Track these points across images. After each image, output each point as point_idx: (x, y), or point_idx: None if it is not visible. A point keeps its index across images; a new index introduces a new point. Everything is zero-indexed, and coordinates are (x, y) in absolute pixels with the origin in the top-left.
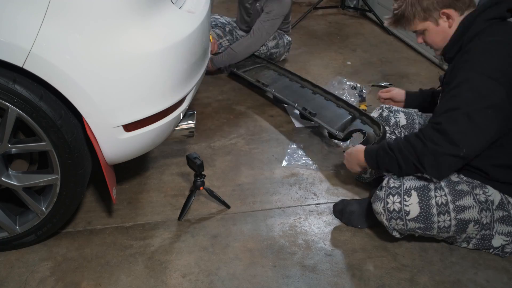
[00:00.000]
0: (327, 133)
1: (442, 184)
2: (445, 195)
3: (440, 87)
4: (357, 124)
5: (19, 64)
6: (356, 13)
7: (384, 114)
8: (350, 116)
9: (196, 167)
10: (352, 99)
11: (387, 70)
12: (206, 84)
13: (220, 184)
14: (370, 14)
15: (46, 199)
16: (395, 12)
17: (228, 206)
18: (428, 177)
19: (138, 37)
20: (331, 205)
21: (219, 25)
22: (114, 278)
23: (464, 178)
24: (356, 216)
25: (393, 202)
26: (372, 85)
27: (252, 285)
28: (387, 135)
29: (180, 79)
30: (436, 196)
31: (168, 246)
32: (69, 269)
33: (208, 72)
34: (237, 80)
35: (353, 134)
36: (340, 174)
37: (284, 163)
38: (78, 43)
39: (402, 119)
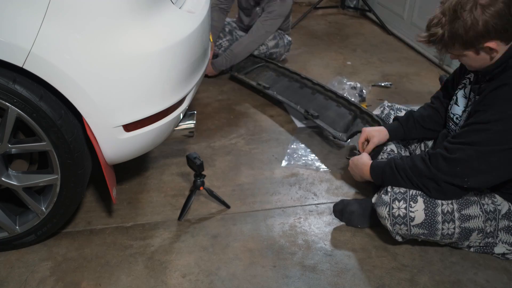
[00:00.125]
0: (330, 135)
1: None
2: (451, 203)
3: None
4: (358, 123)
5: (19, 64)
6: (356, 13)
7: (385, 112)
8: (351, 115)
9: (196, 167)
10: (352, 99)
11: (387, 70)
12: (206, 84)
13: (220, 184)
14: (370, 14)
15: (46, 199)
16: (432, 38)
17: (228, 206)
18: None
19: (138, 37)
20: (331, 205)
21: None
22: (114, 278)
23: None
24: (356, 216)
25: (399, 208)
26: (372, 85)
27: (252, 285)
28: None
29: (180, 79)
30: (442, 204)
31: (168, 246)
32: (69, 269)
33: (209, 76)
34: (237, 80)
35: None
36: (340, 174)
37: (284, 163)
38: (78, 43)
39: None
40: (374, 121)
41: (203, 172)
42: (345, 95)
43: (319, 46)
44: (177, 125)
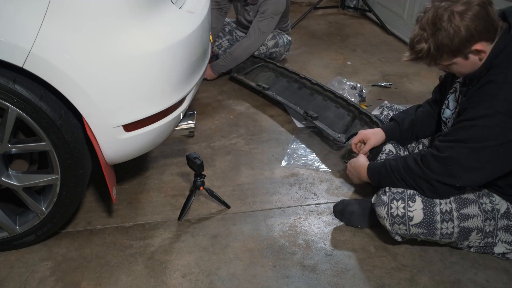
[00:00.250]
0: (329, 136)
1: None
2: (449, 202)
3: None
4: (357, 124)
5: (19, 64)
6: (356, 13)
7: (384, 113)
8: (350, 116)
9: (196, 167)
10: (352, 99)
11: (387, 70)
12: (206, 84)
13: (220, 184)
14: (370, 14)
15: (46, 199)
16: (419, 54)
17: (228, 206)
18: None
19: (138, 37)
20: (331, 205)
21: None
22: (114, 278)
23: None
24: (356, 217)
25: (397, 207)
26: (372, 85)
27: (252, 285)
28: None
29: (180, 79)
30: (441, 203)
31: (168, 246)
32: (69, 269)
33: (208, 79)
34: (237, 81)
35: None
36: (340, 174)
37: (284, 163)
38: (78, 43)
39: None
40: (373, 122)
41: (203, 172)
42: (345, 95)
43: (319, 46)
44: (177, 125)
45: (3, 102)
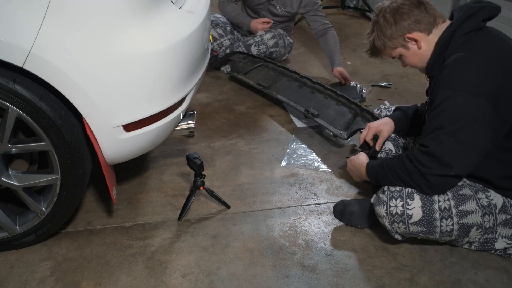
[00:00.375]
0: (331, 132)
1: None
2: (448, 199)
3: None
4: (358, 121)
5: (19, 64)
6: (356, 13)
7: (382, 115)
8: (352, 113)
9: (196, 167)
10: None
11: (387, 70)
12: (206, 84)
13: (220, 184)
14: (370, 14)
15: (46, 199)
16: (370, 45)
17: (228, 206)
18: None
19: (138, 37)
20: (331, 205)
21: (220, 24)
22: (114, 278)
23: (468, 182)
24: (356, 217)
25: (396, 206)
26: (372, 85)
27: (252, 285)
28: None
29: (180, 79)
30: (439, 201)
31: (168, 246)
32: (69, 269)
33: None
34: (237, 80)
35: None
36: (340, 174)
37: (284, 163)
38: (78, 43)
39: None
40: (375, 119)
41: (203, 172)
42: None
43: (319, 46)
44: (177, 125)
45: (3, 102)
